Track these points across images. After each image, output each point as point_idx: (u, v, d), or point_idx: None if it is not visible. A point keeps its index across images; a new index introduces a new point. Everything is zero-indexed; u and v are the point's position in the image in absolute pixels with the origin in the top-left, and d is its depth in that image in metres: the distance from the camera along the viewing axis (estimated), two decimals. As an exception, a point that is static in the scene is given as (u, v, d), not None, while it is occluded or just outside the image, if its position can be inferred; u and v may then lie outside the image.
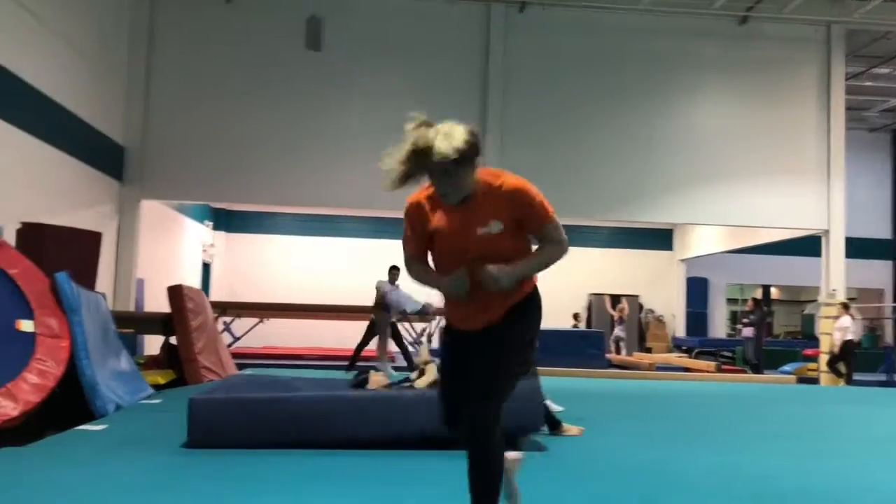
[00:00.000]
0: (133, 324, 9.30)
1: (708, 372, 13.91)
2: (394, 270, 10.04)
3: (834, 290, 13.17)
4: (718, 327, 21.19)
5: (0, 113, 8.27)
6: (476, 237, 2.46)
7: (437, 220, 2.53)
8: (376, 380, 5.07)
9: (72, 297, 5.63)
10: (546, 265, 2.58)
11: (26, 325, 5.36)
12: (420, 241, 2.60)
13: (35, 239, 7.15)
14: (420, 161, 2.38)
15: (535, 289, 2.65)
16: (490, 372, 2.49)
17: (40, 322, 5.41)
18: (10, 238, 7.14)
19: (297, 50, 12.54)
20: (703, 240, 18.74)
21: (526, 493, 3.45)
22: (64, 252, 7.03)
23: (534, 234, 2.57)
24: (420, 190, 2.57)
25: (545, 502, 3.30)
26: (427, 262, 2.65)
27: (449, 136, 2.36)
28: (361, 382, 5.06)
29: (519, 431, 4.43)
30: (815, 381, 13.37)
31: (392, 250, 19.28)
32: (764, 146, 13.30)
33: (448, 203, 2.49)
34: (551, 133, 12.98)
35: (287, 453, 4.18)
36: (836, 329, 12.52)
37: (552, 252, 2.57)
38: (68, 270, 5.81)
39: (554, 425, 5.28)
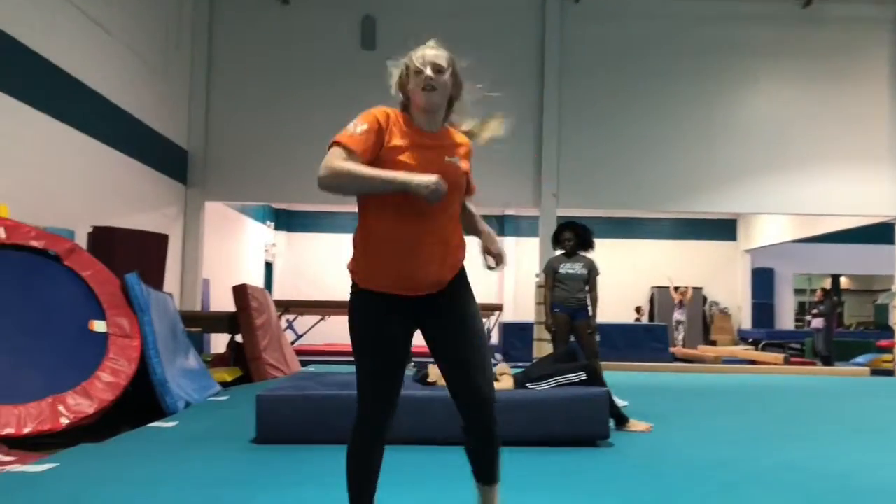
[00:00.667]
0: (200, 323, 9.51)
1: (776, 364, 13.55)
2: None
3: (909, 279, 12.67)
4: (786, 319, 20.63)
5: (71, 121, 8.55)
6: (443, 163, 2.38)
7: (403, 140, 2.38)
8: (436, 372, 5.06)
9: (142, 298, 5.78)
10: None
11: (99, 326, 5.52)
12: (371, 149, 2.33)
13: (105, 242, 7.37)
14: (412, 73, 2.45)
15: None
16: (484, 348, 2.41)
17: (112, 322, 5.57)
18: (82, 241, 7.37)
19: (352, 49, 12.64)
20: (768, 229, 18.26)
21: (596, 490, 3.40)
22: (133, 254, 7.23)
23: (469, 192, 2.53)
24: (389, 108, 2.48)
25: (616, 499, 3.25)
26: None
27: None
28: (423, 377, 5.07)
29: (588, 439, 4.41)
30: (889, 373, 12.91)
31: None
32: (831, 131, 12.87)
33: (428, 102, 2.43)
34: (610, 125, 12.80)
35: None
36: (912, 319, 12.06)
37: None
38: (138, 271, 5.96)
39: (620, 420, 5.19)
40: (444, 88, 2.47)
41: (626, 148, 12.74)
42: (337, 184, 2.29)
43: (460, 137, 2.53)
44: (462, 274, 2.47)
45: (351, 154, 2.30)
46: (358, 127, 2.38)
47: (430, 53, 2.50)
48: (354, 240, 2.45)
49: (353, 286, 2.42)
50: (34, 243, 5.66)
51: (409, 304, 2.36)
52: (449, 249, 2.39)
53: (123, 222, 8.75)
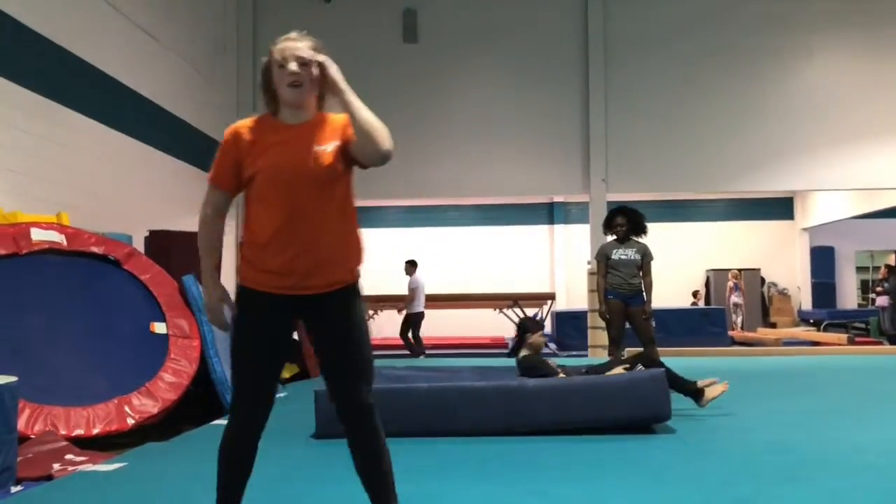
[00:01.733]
0: (256, 321, 9.63)
1: (839, 345, 13.19)
2: None
3: (979, 252, 12.20)
4: (848, 298, 20.07)
5: (125, 129, 8.76)
6: (309, 154, 2.30)
7: (262, 143, 2.33)
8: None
9: (199, 299, 5.89)
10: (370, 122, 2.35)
11: (159, 328, 5.65)
12: (227, 172, 2.37)
13: (162, 245, 7.53)
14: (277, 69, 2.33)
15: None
16: (367, 349, 2.38)
17: (172, 323, 5.69)
18: (139, 245, 7.54)
19: (394, 43, 12.67)
20: (826, 206, 17.77)
21: (658, 476, 3.35)
22: (189, 256, 7.36)
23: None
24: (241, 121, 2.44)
25: (678, 484, 3.19)
26: (223, 210, 2.42)
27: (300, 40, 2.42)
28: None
29: (651, 422, 4.35)
30: (961, 350, 12.46)
31: (494, 235, 19.18)
32: (887, 102, 12.45)
33: (295, 97, 2.35)
34: (658, 106, 12.60)
35: (413, 441, 4.22)
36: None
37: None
38: (194, 273, 6.07)
39: (695, 394, 4.85)
40: (310, 82, 2.37)
41: (676, 129, 12.53)
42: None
43: (335, 121, 2.42)
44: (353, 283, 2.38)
45: (212, 189, 2.42)
46: (216, 156, 2.40)
47: (290, 46, 2.37)
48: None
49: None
50: (94, 249, 5.81)
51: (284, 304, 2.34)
52: (335, 250, 2.32)
53: (178, 225, 8.93)
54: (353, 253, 2.38)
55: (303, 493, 3.17)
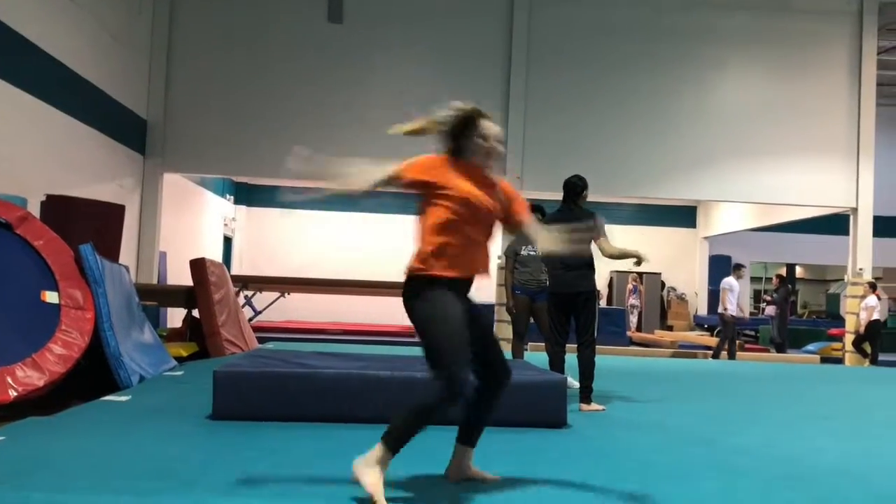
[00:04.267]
0: (156, 296, 9.35)
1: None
2: None
3: (861, 270, 12.97)
4: (741, 306, 20.99)
5: (24, 86, 8.29)
6: (492, 197, 3.01)
7: (463, 181, 2.96)
8: None
9: (96, 269, 5.65)
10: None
11: (51, 297, 5.38)
12: (424, 184, 2.96)
13: (59, 211, 7.18)
14: (465, 127, 3.02)
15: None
16: (422, 336, 2.90)
17: (65, 293, 5.43)
18: (35, 210, 7.17)
19: (318, 22, 12.45)
20: (726, 217, 18.54)
21: (553, 470, 3.42)
22: (88, 224, 7.05)
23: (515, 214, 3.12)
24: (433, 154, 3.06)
25: (567, 475, 3.27)
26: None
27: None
28: None
29: (545, 425, 4.41)
30: (839, 360, 13.23)
31: (411, 225, 19.44)
32: (792, 122, 13.06)
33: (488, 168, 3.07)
34: (575, 107, 12.83)
35: (309, 426, 4.18)
36: (863, 308, 12.37)
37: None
38: (92, 242, 5.82)
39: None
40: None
41: (591, 133, 12.80)
42: None
43: (491, 178, 3.15)
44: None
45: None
46: (408, 171, 3.02)
47: (500, 135, 3.13)
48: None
49: None
50: (-17, 210, 5.48)
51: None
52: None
53: (79, 192, 8.54)
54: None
55: (194, 474, 3.08)
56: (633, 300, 17.35)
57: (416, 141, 3.15)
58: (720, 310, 12.04)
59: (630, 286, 17.59)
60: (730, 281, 12.06)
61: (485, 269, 3.05)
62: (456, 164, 3.00)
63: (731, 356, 11.98)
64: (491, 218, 3.01)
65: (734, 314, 11.86)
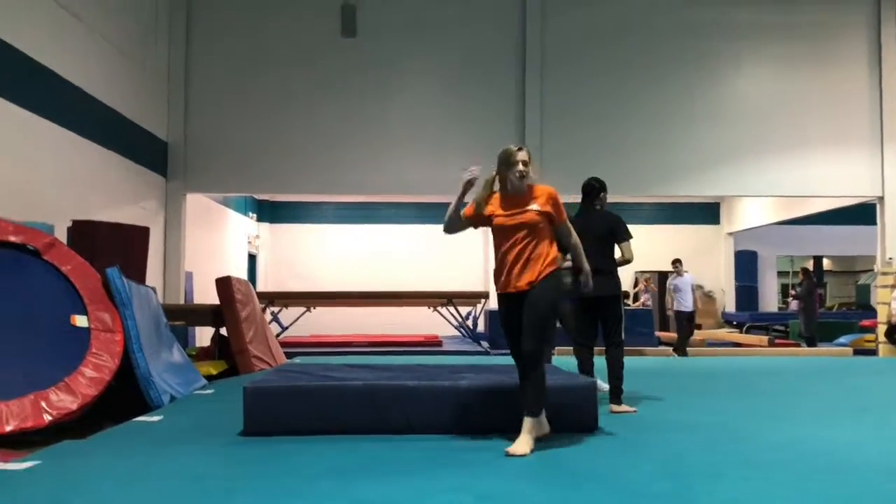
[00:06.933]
0: (183, 316, 9.42)
1: (760, 346, 13.64)
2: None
3: (890, 259, 12.79)
4: (769, 301, 20.78)
5: (48, 114, 8.42)
6: (525, 212, 4.13)
7: (497, 209, 4.28)
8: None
9: (123, 292, 5.71)
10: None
11: (80, 321, 5.45)
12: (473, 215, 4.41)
13: (86, 235, 7.28)
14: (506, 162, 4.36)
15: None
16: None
17: (94, 317, 5.49)
18: (62, 235, 7.27)
19: (332, 38, 12.54)
20: (750, 212, 18.36)
21: (579, 474, 3.39)
22: (114, 247, 7.14)
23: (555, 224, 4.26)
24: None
25: (599, 482, 3.24)
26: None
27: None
28: None
29: (576, 430, 4.37)
30: (872, 352, 13.03)
31: (431, 234, 19.13)
32: (812, 113, 12.93)
33: (516, 187, 4.27)
34: (592, 109, 12.80)
35: (341, 439, 4.18)
36: (893, 298, 12.17)
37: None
38: (119, 265, 5.88)
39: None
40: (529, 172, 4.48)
41: (608, 133, 12.75)
42: None
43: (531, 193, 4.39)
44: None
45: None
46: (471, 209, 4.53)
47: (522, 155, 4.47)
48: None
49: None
50: (12, 238, 5.57)
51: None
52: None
53: (104, 216, 8.65)
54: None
55: (226, 492, 3.10)
56: (644, 299, 17.23)
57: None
58: (675, 308, 12.20)
59: (641, 286, 17.44)
60: (674, 282, 12.23)
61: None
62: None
63: (683, 352, 12.01)
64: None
65: (684, 309, 12.07)
